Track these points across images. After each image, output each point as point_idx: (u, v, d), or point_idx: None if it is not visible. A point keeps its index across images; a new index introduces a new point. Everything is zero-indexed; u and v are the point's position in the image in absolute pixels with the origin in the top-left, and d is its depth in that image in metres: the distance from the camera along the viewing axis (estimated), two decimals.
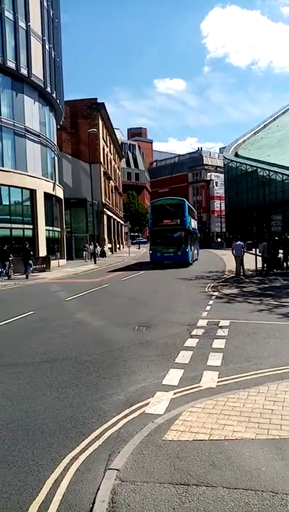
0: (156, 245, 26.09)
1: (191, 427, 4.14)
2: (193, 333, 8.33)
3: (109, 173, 51.78)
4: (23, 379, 6.02)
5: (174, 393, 5.18)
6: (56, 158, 34.82)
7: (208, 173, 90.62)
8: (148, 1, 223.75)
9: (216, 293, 14.02)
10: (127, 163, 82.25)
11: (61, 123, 37.76)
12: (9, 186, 26.51)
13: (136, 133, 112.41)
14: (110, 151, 54.01)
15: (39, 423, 4.51)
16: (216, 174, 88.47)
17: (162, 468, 3.41)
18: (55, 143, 34.58)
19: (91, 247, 36.47)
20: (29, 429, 4.36)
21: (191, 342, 7.62)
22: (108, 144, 51.72)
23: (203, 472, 3.32)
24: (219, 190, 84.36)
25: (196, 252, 32.05)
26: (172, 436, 3.97)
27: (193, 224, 31.60)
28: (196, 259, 31.12)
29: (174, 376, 5.80)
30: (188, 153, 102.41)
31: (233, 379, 5.60)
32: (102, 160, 45.42)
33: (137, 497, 3.06)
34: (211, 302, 12.08)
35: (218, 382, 5.54)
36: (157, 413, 4.58)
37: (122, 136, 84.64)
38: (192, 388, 5.34)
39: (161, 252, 25.68)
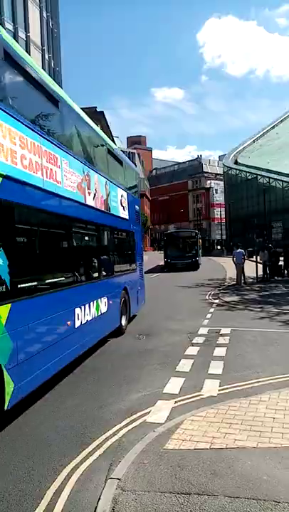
0: None
1: (192, 435, 4.12)
2: (194, 341, 8.31)
3: None
4: None
5: (175, 402, 5.17)
6: None
7: (208, 181, 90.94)
8: (145, 12, 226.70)
9: (216, 300, 14.01)
10: None
11: None
12: None
13: (135, 141, 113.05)
14: None
15: (39, 432, 4.49)
16: (215, 182, 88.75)
17: (163, 477, 3.40)
18: None
19: None
20: (29, 439, 4.34)
21: (192, 350, 7.60)
22: None
23: (205, 481, 3.30)
24: (219, 198, 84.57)
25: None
26: (173, 445, 3.96)
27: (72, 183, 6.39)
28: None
29: (174, 385, 5.78)
30: (188, 161, 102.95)
31: (234, 387, 5.58)
32: None
33: (138, 506, 3.05)
34: (211, 310, 12.07)
35: (219, 390, 5.52)
36: (158, 422, 4.56)
37: (121, 144, 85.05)
38: (193, 397, 5.32)
39: None
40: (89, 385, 5.99)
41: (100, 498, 3.16)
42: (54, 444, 4.20)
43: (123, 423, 4.62)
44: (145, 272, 26.91)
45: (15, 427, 4.65)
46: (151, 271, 28.53)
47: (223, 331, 9.07)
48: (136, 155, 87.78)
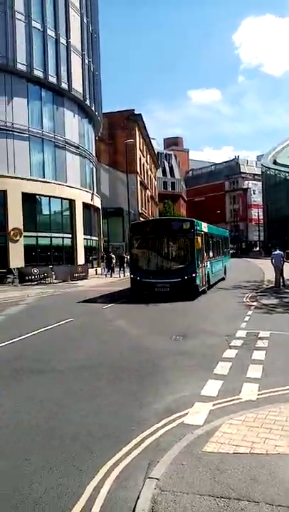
0: None
1: (231, 439, 4.07)
2: (232, 343, 8.19)
3: (146, 182, 52.25)
4: (62, 385, 6.15)
5: (213, 404, 5.11)
6: (94, 168, 35.64)
7: (246, 182, 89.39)
8: (180, 14, 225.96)
9: (254, 303, 13.73)
10: (163, 172, 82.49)
11: (99, 134, 38.64)
12: (49, 197, 27.39)
13: (172, 142, 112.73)
14: (147, 161, 54.54)
15: (79, 429, 4.58)
16: (253, 182, 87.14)
17: (202, 480, 3.37)
18: (94, 154, 35.40)
19: (111, 254, 31.00)
20: (70, 435, 4.44)
21: (230, 353, 7.50)
22: (145, 154, 52.28)
23: (245, 486, 3.25)
24: (257, 199, 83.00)
25: None
26: (212, 448, 3.92)
27: None
28: None
29: (212, 387, 5.73)
30: (225, 162, 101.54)
31: (273, 392, 5.45)
32: (138, 170, 45.94)
33: (177, 507, 3.04)
34: (249, 313, 11.85)
35: (258, 394, 5.41)
36: (196, 424, 4.54)
37: (158, 145, 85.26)
38: (231, 400, 5.25)
39: None
40: (127, 384, 6.04)
41: (138, 497, 3.19)
42: (93, 441, 4.27)
43: (161, 423, 4.63)
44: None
45: (56, 422, 4.78)
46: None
47: (262, 334, 8.88)
48: (172, 156, 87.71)
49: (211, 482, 3.34)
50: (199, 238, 15.60)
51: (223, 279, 21.95)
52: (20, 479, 3.59)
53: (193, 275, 14.83)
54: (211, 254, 18.68)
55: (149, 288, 15.16)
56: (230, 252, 31.69)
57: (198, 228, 15.74)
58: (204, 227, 17.37)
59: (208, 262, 17.60)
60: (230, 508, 3.01)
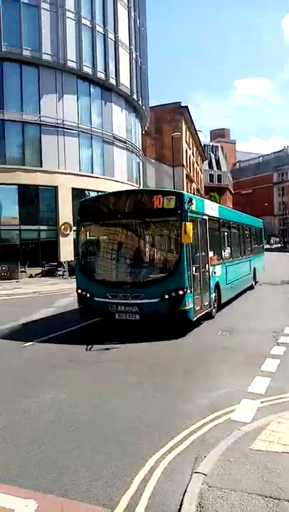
0: None
1: (280, 438, 3.99)
2: (280, 340, 7.98)
3: (192, 175, 51.74)
4: (110, 379, 6.31)
5: (261, 402, 5.03)
6: (141, 162, 35.79)
7: None
8: (227, 4, 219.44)
9: None
10: (210, 164, 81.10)
11: (146, 128, 38.69)
12: (98, 191, 27.85)
13: (218, 134, 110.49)
14: (193, 154, 53.93)
15: (127, 421, 4.67)
16: None
17: (250, 478, 3.34)
18: (140, 148, 35.53)
19: None
20: (116, 427, 4.55)
21: (278, 350, 7.31)
22: (191, 147, 51.72)
23: None
24: None
25: None
26: (260, 446, 3.87)
27: None
28: None
29: (260, 384, 5.62)
30: (274, 153, 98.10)
31: None
32: (184, 163, 45.55)
33: (225, 504, 3.04)
34: None
35: None
36: (244, 421, 4.48)
37: (204, 137, 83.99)
38: (280, 398, 5.13)
39: None
40: (174, 379, 6.06)
41: (186, 491, 3.21)
42: (141, 434, 4.34)
43: (208, 418, 4.62)
44: None
45: (104, 415, 4.92)
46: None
47: None
48: (219, 148, 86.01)
49: (259, 481, 3.30)
50: (192, 225, 8.44)
51: (251, 287, 15.94)
52: (69, 466, 3.73)
53: (180, 292, 8.34)
54: (225, 252, 12.18)
55: (105, 313, 9.02)
56: (276, 246, 27.63)
57: (192, 208, 8.86)
58: (211, 208, 10.96)
59: (219, 266, 11.07)
60: (281, 509, 2.96)
